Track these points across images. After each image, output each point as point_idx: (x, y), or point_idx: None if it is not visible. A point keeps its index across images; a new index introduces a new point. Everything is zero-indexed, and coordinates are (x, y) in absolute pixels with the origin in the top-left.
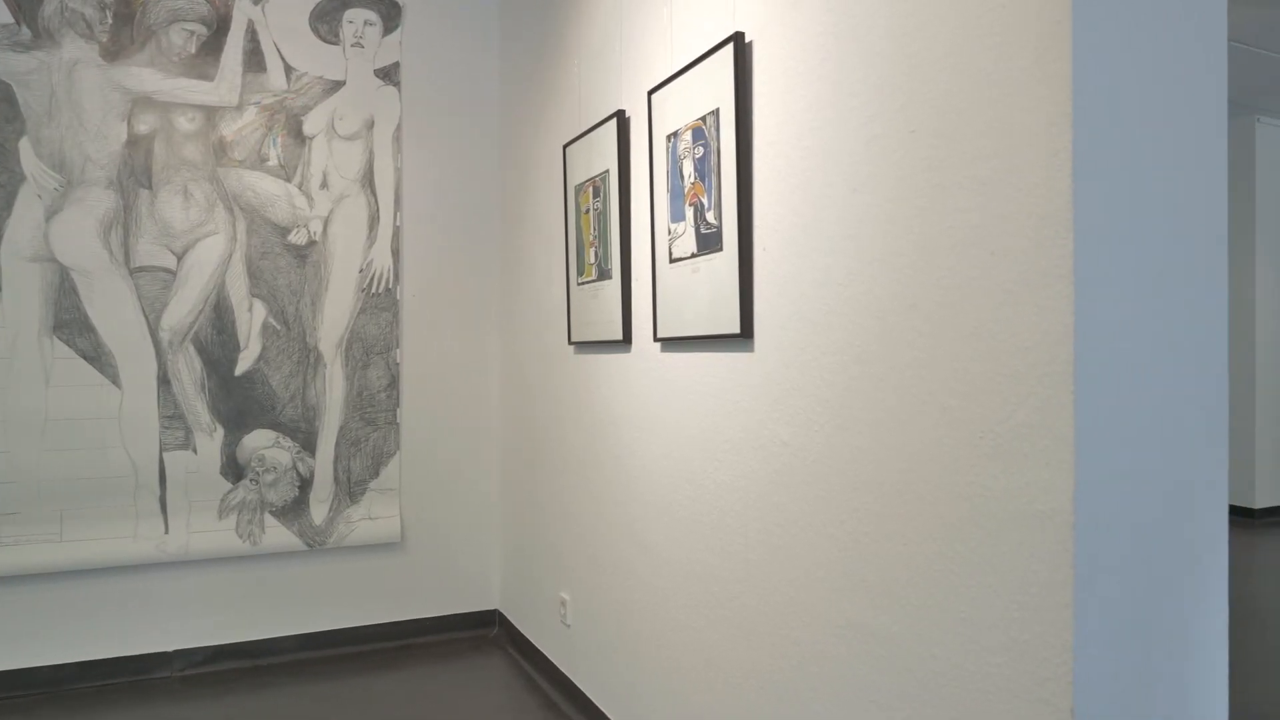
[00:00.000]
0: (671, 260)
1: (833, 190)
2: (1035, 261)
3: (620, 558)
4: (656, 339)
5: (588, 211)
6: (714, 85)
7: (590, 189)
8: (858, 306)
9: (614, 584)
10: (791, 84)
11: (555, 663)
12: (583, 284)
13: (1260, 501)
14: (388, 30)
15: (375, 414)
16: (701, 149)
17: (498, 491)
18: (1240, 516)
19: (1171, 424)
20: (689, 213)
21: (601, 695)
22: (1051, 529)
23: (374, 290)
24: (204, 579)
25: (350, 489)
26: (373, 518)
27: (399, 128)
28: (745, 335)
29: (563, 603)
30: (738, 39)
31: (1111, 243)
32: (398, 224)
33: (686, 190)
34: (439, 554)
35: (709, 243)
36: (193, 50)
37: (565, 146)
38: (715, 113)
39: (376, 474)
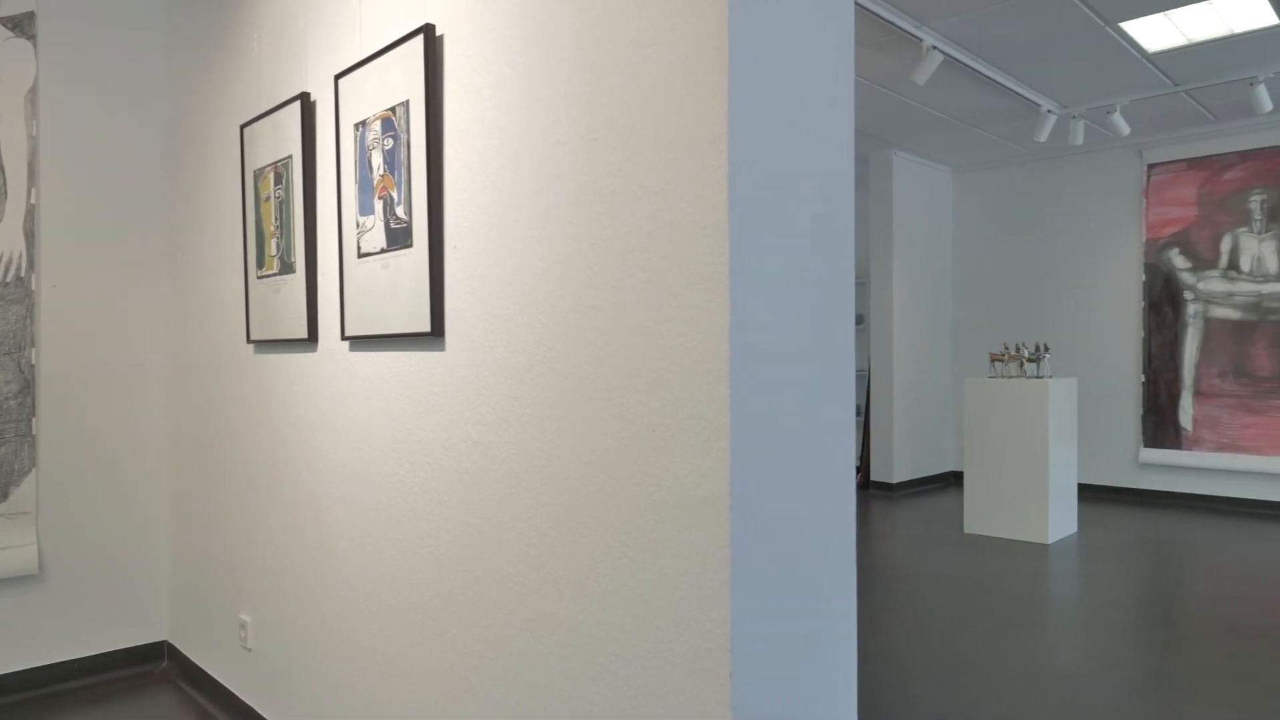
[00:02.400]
0: (360, 255)
1: (521, 192)
2: (698, 267)
3: (307, 570)
4: (345, 337)
5: (268, 199)
6: (404, 76)
7: (271, 174)
8: (545, 307)
9: (300, 599)
10: (482, 82)
11: (235, 692)
12: (263, 277)
13: (897, 477)
14: None
15: (2, 426)
16: (391, 140)
17: (166, 509)
18: (882, 490)
19: (811, 412)
20: (378, 206)
21: (286, 719)
22: (712, 512)
23: (1, 279)
24: None
25: None
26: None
27: (34, 89)
28: (436, 334)
29: (243, 625)
30: (428, 31)
31: (762, 251)
32: (33, 202)
33: (376, 183)
34: (91, 584)
35: (399, 238)
36: None
37: (243, 127)
38: (405, 104)
39: (4, 496)
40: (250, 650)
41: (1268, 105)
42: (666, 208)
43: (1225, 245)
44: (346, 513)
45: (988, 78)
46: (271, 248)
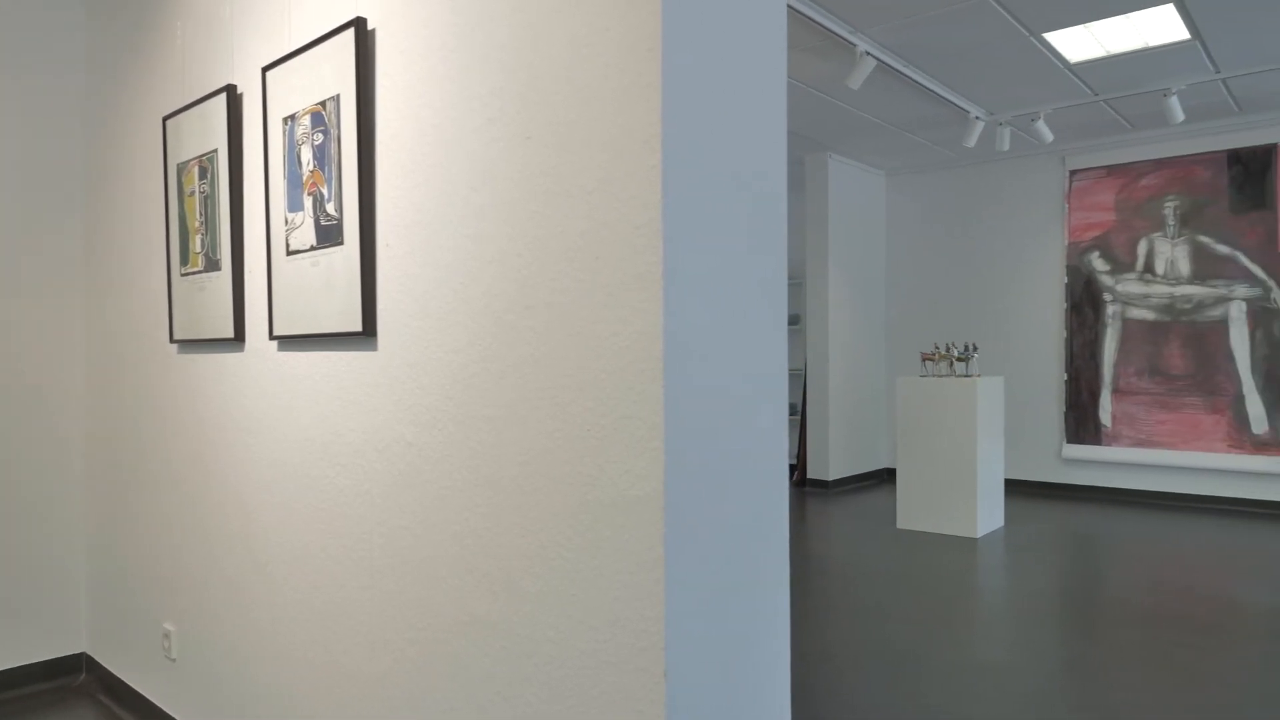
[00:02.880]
0: (289, 252)
1: (455, 189)
2: (632, 267)
3: (235, 576)
4: (273, 337)
5: (192, 194)
6: (335, 70)
7: (195, 168)
8: (478, 306)
9: (227, 606)
10: (415, 78)
11: (158, 704)
12: (187, 275)
13: (833, 474)
14: None
15: None
16: (321, 135)
17: (83, 516)
18: (818, 487)
19: (744, 411)
20: (308, 203)
21: None
22: (646, 511)
23: None
24: None
25: None
26: None
27: None
28: (368, 333)
29: (166, 635)
30: (360, 24)
31: (695, 251)
32: None
33: (305, 178)
34: (2, 595)
35: (329, 235)
36: None
37: (166, 119)
38: (336, 99)
39: None
40: (174, 660)
41: (1180, 116)
42: (601, 207)
43: (1141, 249)
44: (276, 516)
45: (919, 84)
46: (196, 244)
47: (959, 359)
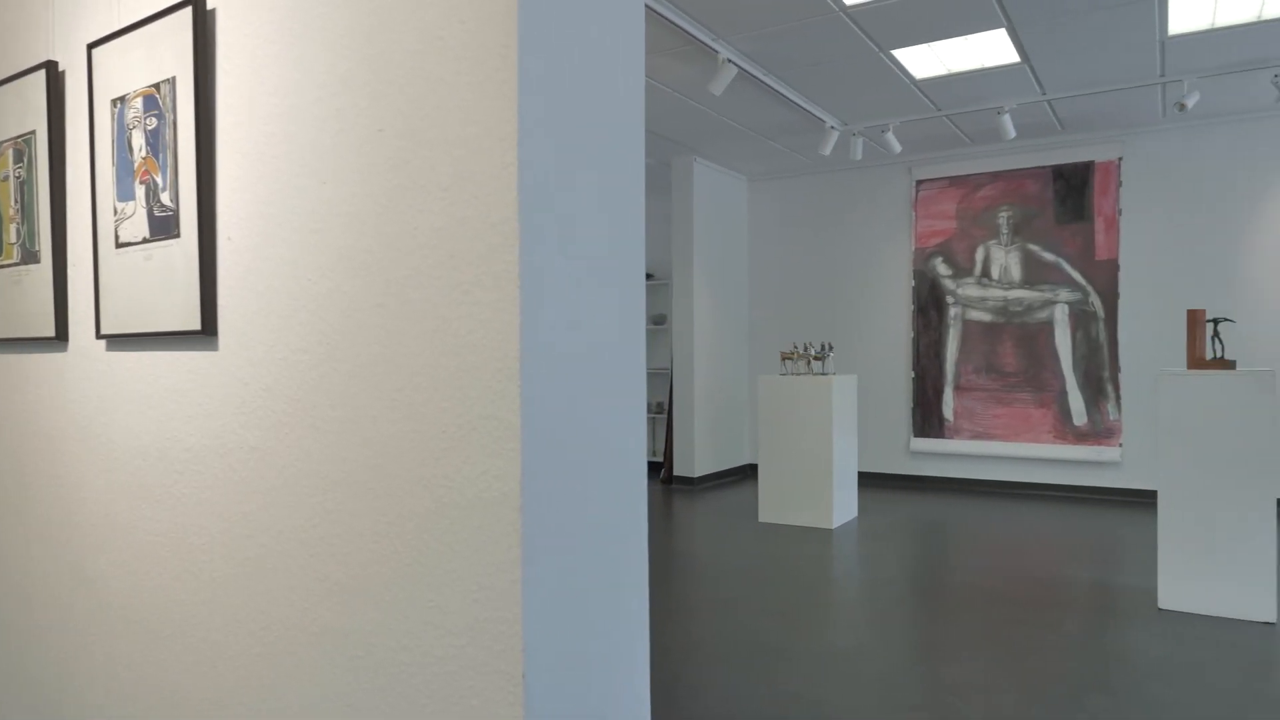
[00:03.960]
0: (119, 245)
1: (302, 181)
2: (488, 265)
3: (58, 598)
4: (100, 336)
5: (6, 178)
6: (171, 50)
7: (11, 151)
8: (327, 303)
9: (46, 631)
10: (260, 63)
11: None
12: (1, 267)
13: (699, 471)
14: None
15: None
16: (155, 120)
17: None
18: (684, 484)
19: (603, 411)
20: (140, 192)
21: None
22: (503, 512)
23: None
24: None
25: None
26: None
27: None
28: (208, 332)
29: None
30: (198, 3)
31: (553, 250)
32: None
33: (137, 166)
34: None
35: (164, 227)
36: None
37: None
38: (171, 81)
39: None
40: None
41: (1012, 133)
42: (456, 204)
43: (979, 255)
44: (106, 531)
45: (778, 92)
46: (11, 234)
47: (816, 358)
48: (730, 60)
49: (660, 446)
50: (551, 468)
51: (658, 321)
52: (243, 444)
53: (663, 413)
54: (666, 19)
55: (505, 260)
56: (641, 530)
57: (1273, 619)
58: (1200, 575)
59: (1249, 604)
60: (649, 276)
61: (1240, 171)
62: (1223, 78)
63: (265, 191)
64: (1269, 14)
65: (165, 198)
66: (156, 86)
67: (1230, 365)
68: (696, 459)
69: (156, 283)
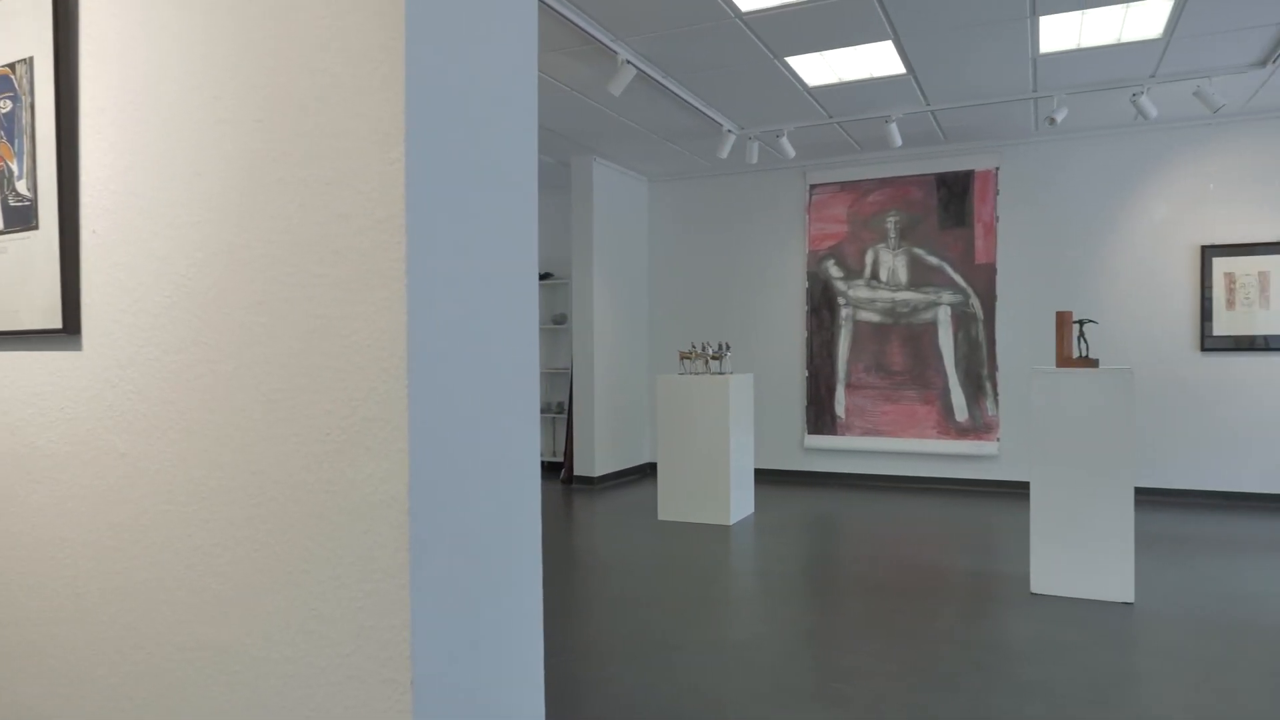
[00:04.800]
0: None
1: (176, 172)
2: (374, 262)
3: None
4: None
5: None
6: (28, 27)
7: None
8: (204, 301)
9: None
10: (129, 45)
11: None
12: None
13: (599, 470)
14: None
15: None
16: (10, 103)
17: None
18: (584, 483)
19: (495, 411)
20: None
21: None
22: (390, 515)
23: None
24: None
25: None
26: None
27: None
28: (70, 331)
29: None
30: None
31: (441, 248)
32: None
33: None
34: None
35: (21, 218)
36: None
37: None
38: (29, 62)
39: None
40: None
41: (898, 141)
42: (339, 199)
43: (869, 258)
44: None
45: (676, 95)
46: None
47: (713, 357)
48: (629, 61)
49: (560, 446)
50: (441, 469)
51: (558, 321)
52: (110, 450)
53: (563, 412)
54: (565, 17)
55: (391, 258)
56: (535, 530)
57: (1132, 599)
58: (1067, 560)
59: (1111, 586)
60: (549, 276)
61: (1102, 183)
62: (1088, 95)
63: (135, 182)
64: (1127, 38)
65: (22, 186)
66: (12, 67)
67: (1094, 363)
68: (597, 458)
69: (12, 278)
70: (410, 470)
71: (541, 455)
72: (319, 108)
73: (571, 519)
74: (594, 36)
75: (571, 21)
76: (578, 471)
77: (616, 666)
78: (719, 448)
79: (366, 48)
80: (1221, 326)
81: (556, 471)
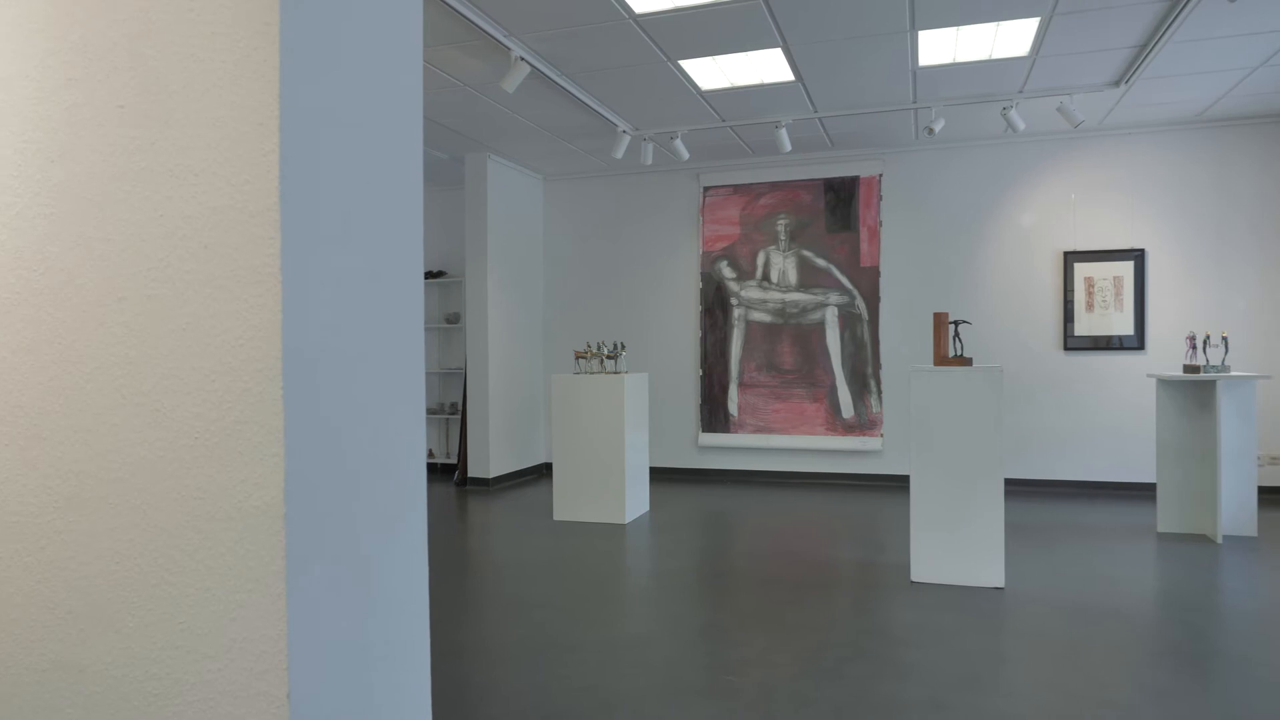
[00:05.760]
0: None
1: (26, 159)
2: (247, 258)
3: None
4: None
5: None
6: None
7: None
8: (58, 297)
9: None
10: None
11: None
12: None
13: (494, 472)
14: None
15: None
16: None
17: None
18: (479, 485)
19: (378, 413)
20: None
21: None
22: (265, 523)
23: None
24: None
25: None
26: None
27: None
28: None
29: None
30: None
31: (319, 244)
32: None
33: None
34: None
35: None
36: None
37: None
38: None
39: None
40: None
41: (788, 146)
42: (210, 191)
43: (760, 260)
44: None
45: (571, 94)
46: None
47: (609, 356)
48: (523, 58)
49: (455, 448)
50: (320, 474)
51: (451, 320)
52: None
53: (457, 413)
54: (457, 11)
55: (266, 253)
56: (421, 535)
57: (1002, 584)
58: (944, 549)
59: (983, 572)
60: (442, 274)
61: (976, 191)
62: (963, 107)
63: None
64: (998, 54)
65: None
66: None
67: (967, 362)
68: (492, 459)
69: None
70: (286, 475)
71: (435, 457)
72: (190, 94)
73: (466, 521)
74: (487, 32)
75: (464, 16)
76: (472, 473)
77: (509, 669)
78: (614, 447)
79: (239, 30)
80: (1082, 327)
81: (451, 474)
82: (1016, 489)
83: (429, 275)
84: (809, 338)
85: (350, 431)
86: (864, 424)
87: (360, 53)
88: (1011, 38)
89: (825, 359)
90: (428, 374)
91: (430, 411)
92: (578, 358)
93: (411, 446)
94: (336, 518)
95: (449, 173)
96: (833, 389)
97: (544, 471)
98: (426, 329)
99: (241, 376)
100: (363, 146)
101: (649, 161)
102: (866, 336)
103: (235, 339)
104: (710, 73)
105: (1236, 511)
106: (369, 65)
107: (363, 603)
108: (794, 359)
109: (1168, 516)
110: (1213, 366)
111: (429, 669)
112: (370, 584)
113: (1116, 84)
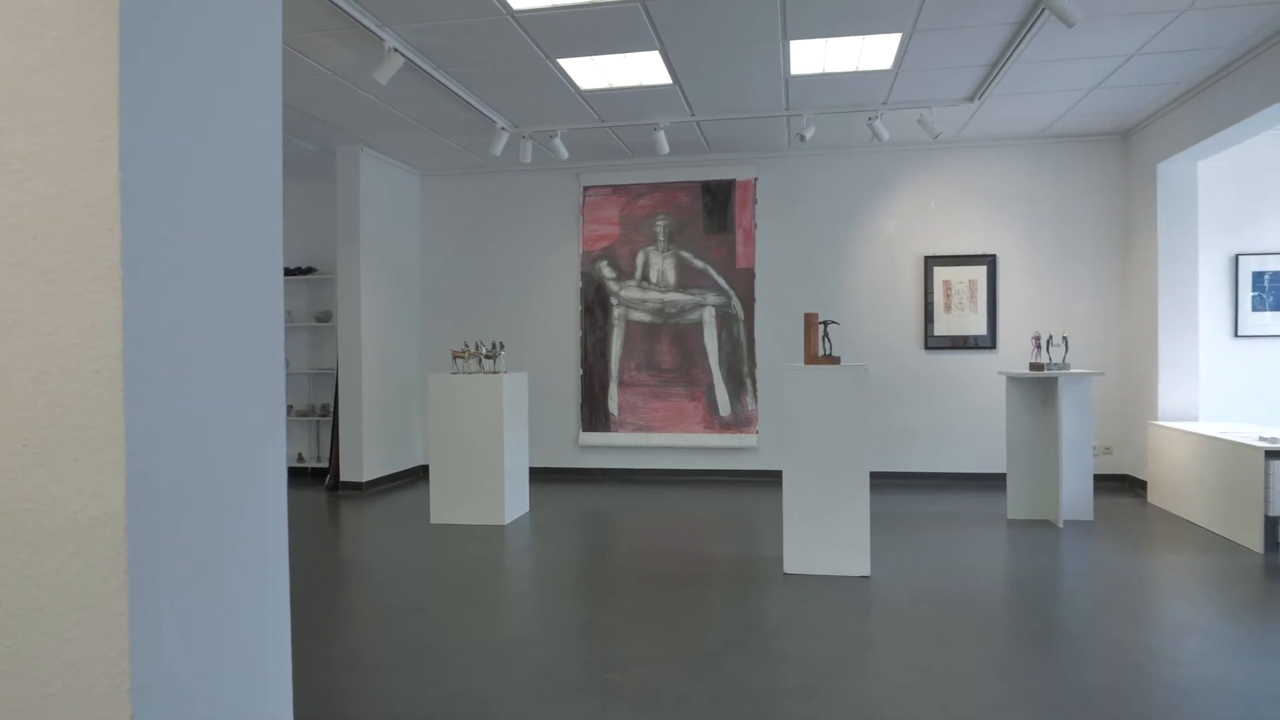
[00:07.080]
0: None
1: None
2: (84, 251)
3: None
4: None
5: None
6: None
7: None
8: None
9: None
10: None
11: None
12: None
13: (368, 475)
14: None
15: None
16: None
17: None
18: (352, 489)
19: (233, 416)
20: None
21: None
22: (104, 535)
23: None
24: None
25: None
26: None
27: None
28: None
29: None
30: None
31: (166, 236)
32: None
33: None
34: None
35: None
36: None
37: None
38: None
39: None
40: None
41: (666, 148)
42: (38, 178)
43: (639, 260)
44: None
45: (448, 88)
46: None
47: (487, 356)
48: (397, 50)
49: (326, 451)
50: (166, 481)
51: (322, 319)
52: None
53: (328, 415)
54: None
55: (104, 245)
56: (280, 543)
57: (868, 573)
58: (814, 541)
59: (850, 562)
60: (311, 270)
61: (845, 197)
62: (833, 116)
63: None
64: (864, 66)
65: None
66: None
67: (835, 361)
68: (365, 462)
69: None
70: (127, 483)
71: (305, 461)
72: (15, 74)
73: (338, 527)
74: (359, 21)
75: (334, 2)
76: (345, 477)
77: (383, 676)
78: (493, 447)
79: (74, 8)
80: (941, 328)
81: (322, 478)
82: (881, 481)
83: (298, 272)
84: (687, 337)
85: (201, 435)
86: (740, 421)
87: (212, 33)
88: (876, 51)
89: (703, 358)
90: (297, 375)
91: (299, 413)
92: (455, 357)
93: (270, 450)
94: (185, 527)
95: (319, 165)
96: (710, 388)
97: (420, 474)
98: (296, 328)
99: (78, 378)
100: (215, 132)
101: (528, 160)
102: (743, 336)
103: (70, 338)
104: (589, 73)
105: (1075, 498)
106: (222, 46)
107: (215, 617)
108: (673, 358)
109: (1017, 504)
110: (1055, 365)
111: (290, 684)
112: (224, 597)
113: (971, 99)
